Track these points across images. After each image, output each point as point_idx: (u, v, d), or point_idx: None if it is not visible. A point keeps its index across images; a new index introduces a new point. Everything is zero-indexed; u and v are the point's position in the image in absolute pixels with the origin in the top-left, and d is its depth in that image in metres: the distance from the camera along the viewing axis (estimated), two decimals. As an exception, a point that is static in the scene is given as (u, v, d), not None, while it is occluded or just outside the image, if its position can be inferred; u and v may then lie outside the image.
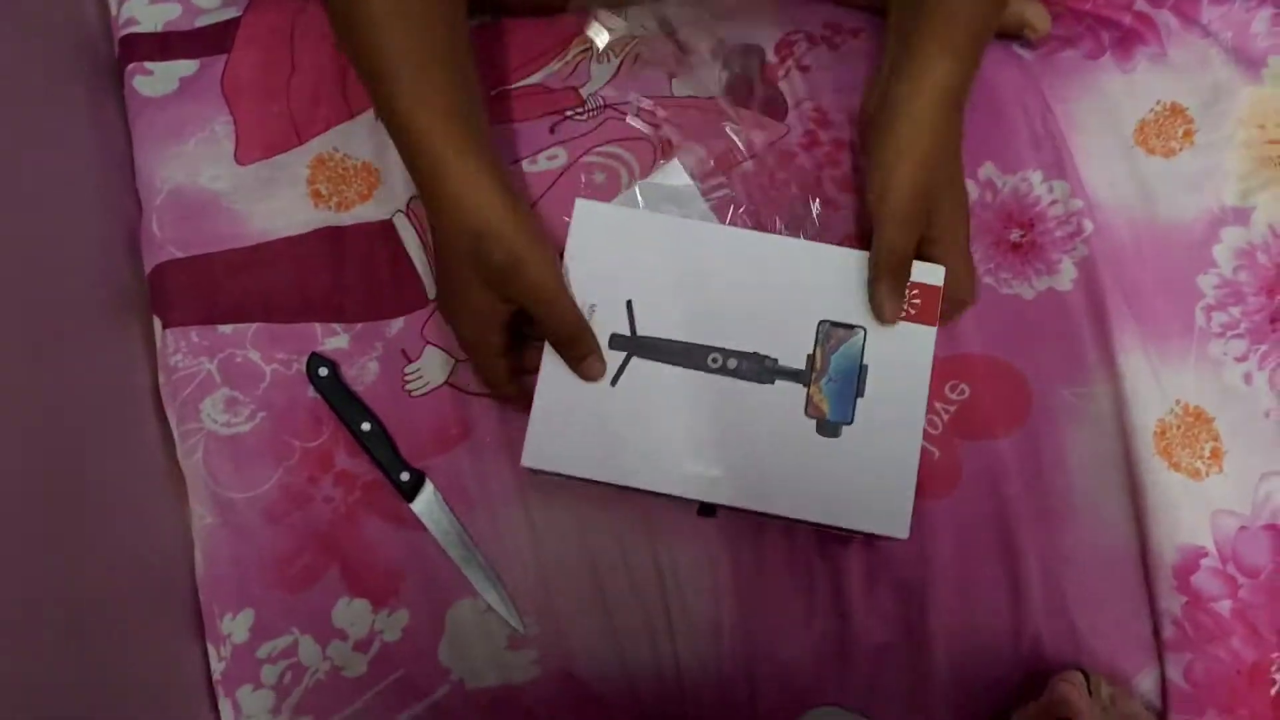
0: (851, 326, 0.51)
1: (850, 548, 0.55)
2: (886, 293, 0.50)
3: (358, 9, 0.48)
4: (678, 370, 0.51)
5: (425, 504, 0.56)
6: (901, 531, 0.49)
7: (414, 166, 0.50)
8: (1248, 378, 0.57)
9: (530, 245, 0.49)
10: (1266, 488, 0.55)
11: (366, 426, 0.56)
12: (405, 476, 0.56)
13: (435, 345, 0.58)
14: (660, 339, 0.51)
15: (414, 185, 0.52)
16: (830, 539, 0.55)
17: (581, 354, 0.51)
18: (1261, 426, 0.56)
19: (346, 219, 0.60)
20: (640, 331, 0.51)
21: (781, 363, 0.51)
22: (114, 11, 0.64)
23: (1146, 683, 0.54)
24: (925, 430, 0.57)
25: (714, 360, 0.51)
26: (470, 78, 0.52)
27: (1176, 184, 0.60)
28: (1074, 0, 0.65)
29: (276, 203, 0.60)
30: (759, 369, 0.51)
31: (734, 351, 0.51)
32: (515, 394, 0.54)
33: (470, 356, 0.54)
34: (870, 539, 0.54)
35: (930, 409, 0.57)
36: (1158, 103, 0.62)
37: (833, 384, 0.51)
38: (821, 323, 0.51)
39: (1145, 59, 0.63)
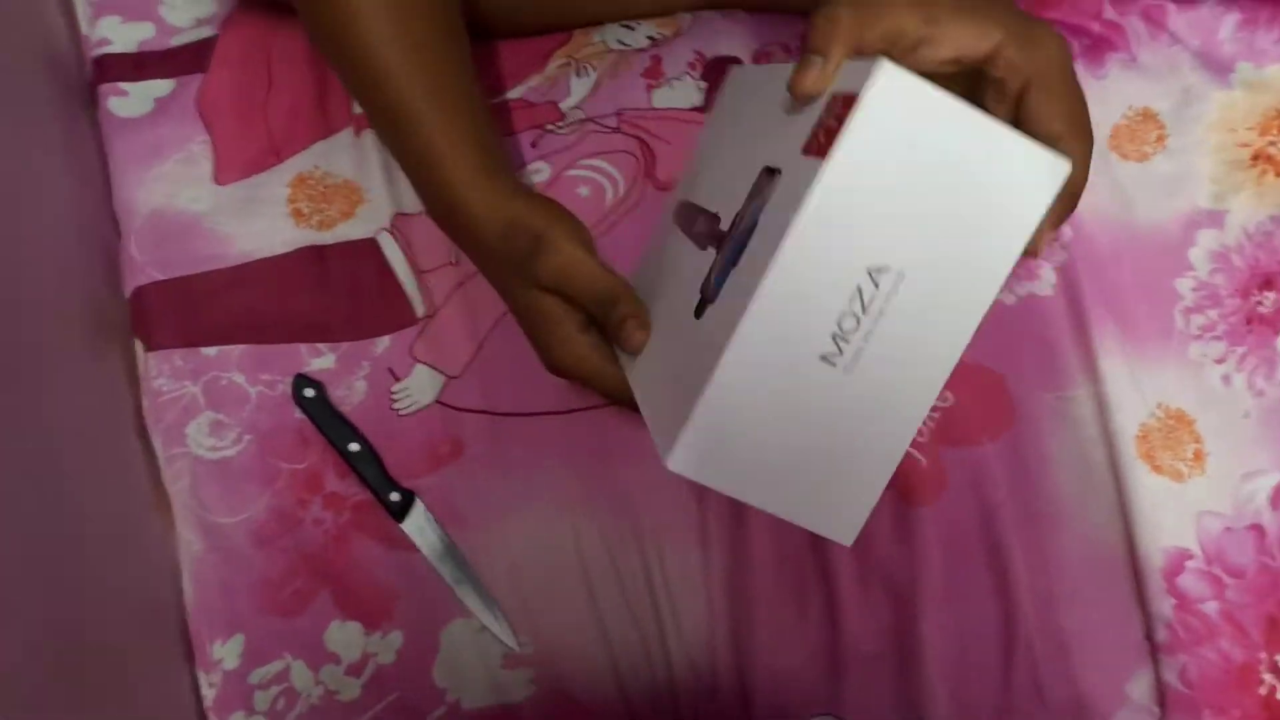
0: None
1: (837, 548, 0.55)
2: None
3: (350, 32, 0.48)
4: None
5: (416, 524, 0.56)
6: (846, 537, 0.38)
7: (435, 210, 0.51)
8: (1226, 379, 0.58)
9: (549, 219, 0.48)
10: (1249, 488, 0.56)
11: (355, 447, 0.56)
12: (395, 496, 0.56)
13: (424, 363, 0.58)
14: None
15: (442, 229, 0.52)
16: None
17: (620, 317, 0.45)
18: (1242, 427, 0.57)
19: (329, 237, 0.59)
20: None
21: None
22: (85, 31, 0.63)
23: (1140, 686, 0.55)
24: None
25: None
26: (475, 96, 0.52)
27: (1151, 188, 0.61)
28: (1041, 9, 0.66)
29: (257, 223, 0.59)
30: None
31: None
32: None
33: (593, 384, 0.48)
34: None
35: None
36: (1130, 108, 0.63)
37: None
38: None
39: (1116, 65, 0.64)
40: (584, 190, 0.60)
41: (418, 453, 0.57)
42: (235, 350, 0.57)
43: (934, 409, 0.57)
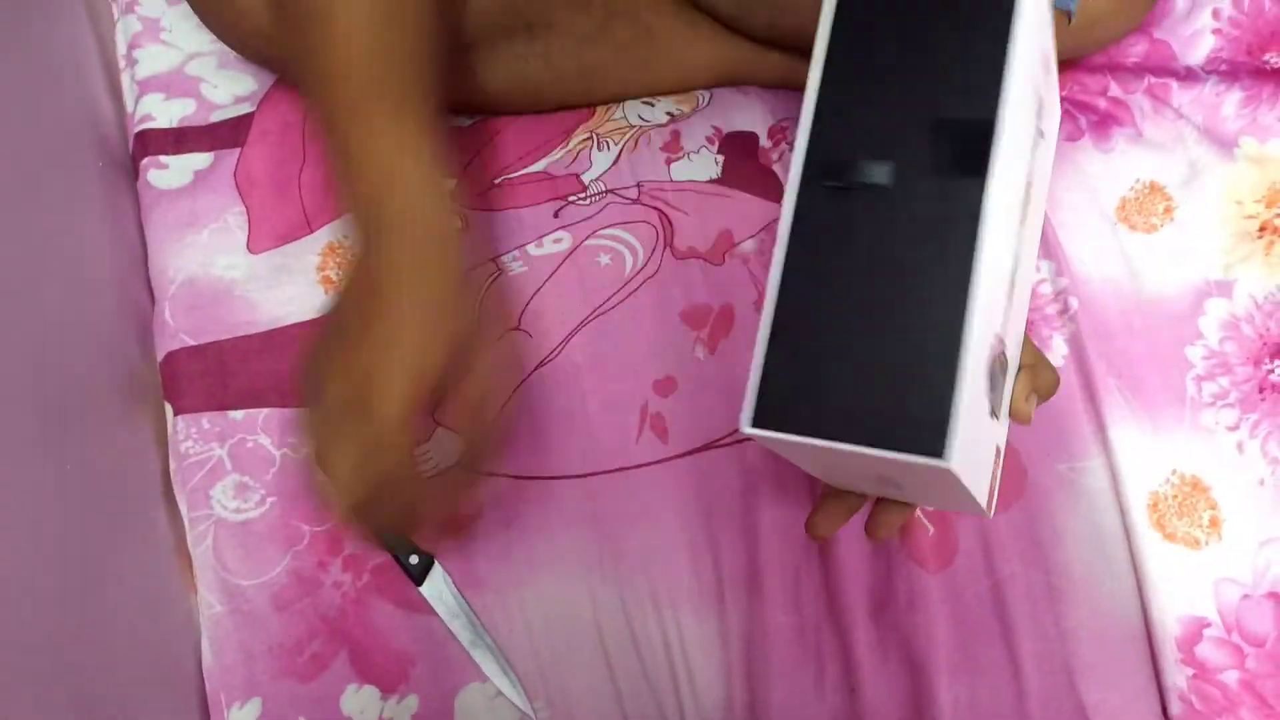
0: None
1: (854, 615, 0.55)
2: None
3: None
4: None
5: (434, 587, 0.56)
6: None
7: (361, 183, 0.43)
8: (1240, 446, 0.58)
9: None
10: (1266, 555, 0.56)
11: (376, 510, 0.57)
12: (414, 560, 0.56)
13: (446, 428, 0.59)
14: None
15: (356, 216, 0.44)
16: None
17: None
18: (1257, 494, 0.57)
19: (356, 305, 0.61)
20: None
21: None
22: (130, 109, 0.66)
23: None
24: (921, 507, 0.57)
25: None
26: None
27: (1160, 259, 0.62)
28: (1051, 87, 0.68)
29: (288, 290, 0.61)
30: None
31: None
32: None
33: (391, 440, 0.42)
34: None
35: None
36: (1137, 180, 0.65)
37: None
38: None
39: (1123, 139, 0.66)
40: (605, 259, 0.62)
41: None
42: (261, 414, 0.59)
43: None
